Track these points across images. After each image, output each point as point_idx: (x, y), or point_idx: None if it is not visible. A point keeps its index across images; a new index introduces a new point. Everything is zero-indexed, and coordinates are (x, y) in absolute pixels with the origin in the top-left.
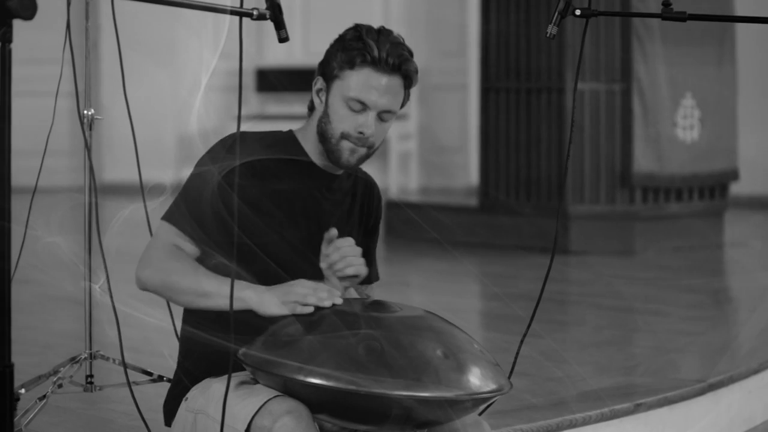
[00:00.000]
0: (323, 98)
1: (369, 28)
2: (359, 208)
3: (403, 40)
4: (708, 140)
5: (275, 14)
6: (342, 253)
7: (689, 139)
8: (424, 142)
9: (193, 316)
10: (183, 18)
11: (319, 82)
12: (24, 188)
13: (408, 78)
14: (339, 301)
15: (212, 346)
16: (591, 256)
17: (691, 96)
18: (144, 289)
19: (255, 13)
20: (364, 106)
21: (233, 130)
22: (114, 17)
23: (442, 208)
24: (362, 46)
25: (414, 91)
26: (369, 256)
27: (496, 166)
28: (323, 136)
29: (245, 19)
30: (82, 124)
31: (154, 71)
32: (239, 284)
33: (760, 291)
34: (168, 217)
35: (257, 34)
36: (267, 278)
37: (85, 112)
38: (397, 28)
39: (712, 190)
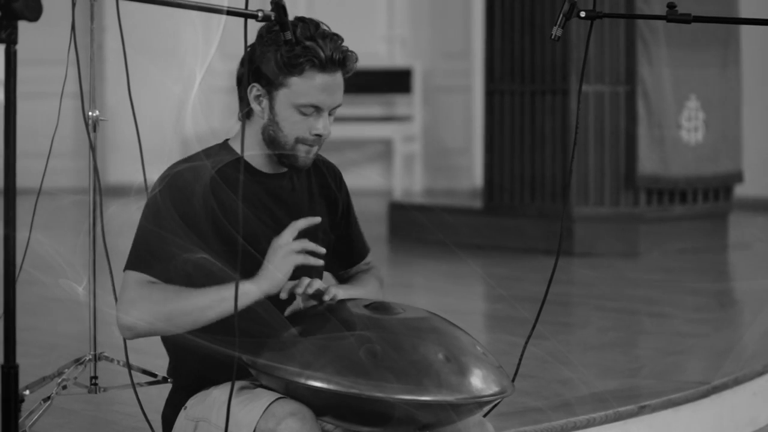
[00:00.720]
0: (265, 105)
1: (302, 28)
2: (319, 198)
3: (328, 27)
4: (712, 142)
5: (280, 16)
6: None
7: (693, 141)
8: (429, 144)
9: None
10: (188, 18)
11: (255, 89)
12: (28, 189)
13: (348, 69)
14: (321, 249)
15: (203, 355)
16: (595, 257)
17: (695, 98)
18: (134, 336)
19: (260, 14)
20: (317, 109)
21: (236, 131)
22: (119, 18)
23: (447, 209)
24: (305, 52)
25: (418, 93)
26: (352, 237)
27: (500, 168)
28: (274, 143)
29: (249, 21)
30: (86, 125)
31: (159, 72)
32: (230, 285)
33: (765, 293)
34: (132, 266)
35: None
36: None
37: (90, 113)
38: (401, 30)
39: (716, 192)
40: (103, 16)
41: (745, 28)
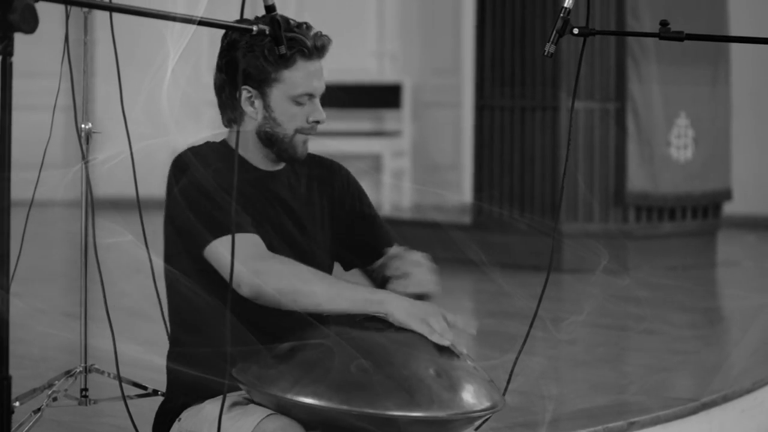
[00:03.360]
0: (258, 105)
1: (278, 23)
2: (319, 195)
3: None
4: (701, 160)
5: (275, 30)
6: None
7: (683, 159)
8: (418, 159)
9: (183, 335)
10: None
11: (245, 92)
12: (19, 201)
13: (325, 54)
14: (449, 338)
15: (203, 364)
16: (584, 274)
17: (685, 115)
18: (254, 298)
19: (255, 29)
20: (310, 97)
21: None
22: (112, 31)
23: (435, 225)
24: (292, 44)
25: (407, 109)
26: (369, 226)
27: (489, 183)
28: (272, 139)
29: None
30: (79, 137)
31: (149, 84)
32: (371, 289)
33: (753, 310)
34: (227, 231)
35: None
36: None
37: (83, 126)
38: (391, 45)
39: (705, 209)
40: (94, 28)
41: (734, 46)
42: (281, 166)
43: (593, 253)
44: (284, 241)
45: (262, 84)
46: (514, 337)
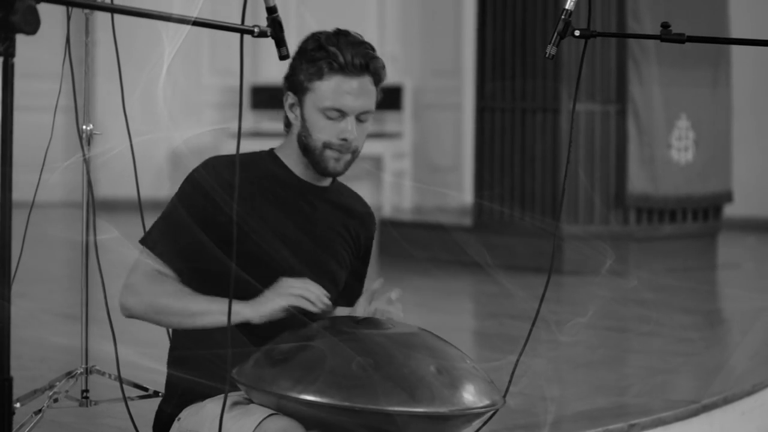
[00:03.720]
0: (297, 113)
1: (328, 35)
2: (352, 230)
3: (362, 38)
4: (702, 162)
5: (276, 32)
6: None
7: (684, 161)
8: (418, 161)
9: (183, 338)
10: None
11: (290, 98)
12: (20, 203)
13: (377, 75)
14: (327, 301)
15: (203, 367)
16: (584, 276)
17: (686, 117)
18: (129, 316)
19: (256, 30)
20: (341, 113)
21: (229, 146)
22: (114, 32)
23: (437, 227)
24: (326, 55)
25: (408, 110)
26: (361, 279)
27: (490, 185)
28: (306, 149)
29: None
30: (80, 139)
31: (149, 85)
32: (225, 301)
33: (754, 312)
34: (145, 241)
35: (253, 51)
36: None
37: (84, 127)
38: (392, 47)
39: (705, 211)
40: (96, 30)
41: (735, 48)
42: (326, 183)
43: (599, 254)
44: (301, 249)
45: (299, 91)
46: (516, 338)
